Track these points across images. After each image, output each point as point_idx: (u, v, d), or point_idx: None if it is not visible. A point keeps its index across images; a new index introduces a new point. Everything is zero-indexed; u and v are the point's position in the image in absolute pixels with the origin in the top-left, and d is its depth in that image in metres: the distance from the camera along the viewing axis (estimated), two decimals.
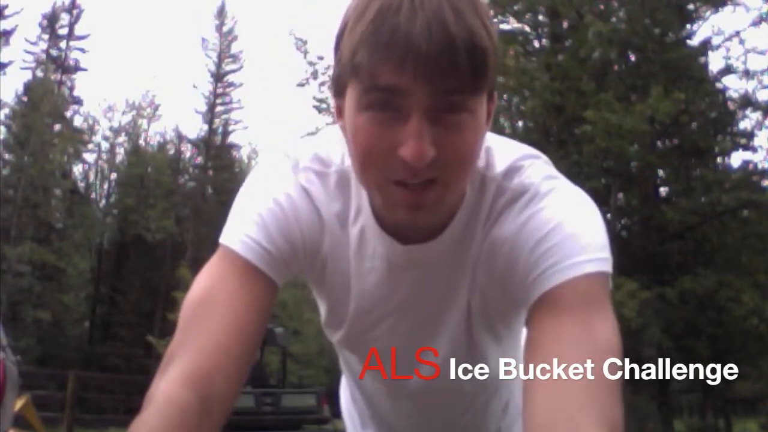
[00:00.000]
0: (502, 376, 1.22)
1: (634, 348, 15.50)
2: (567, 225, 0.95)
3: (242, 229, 1.03)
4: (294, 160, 1.10)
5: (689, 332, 14.66)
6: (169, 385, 0.89)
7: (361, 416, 1.39)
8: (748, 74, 14.40)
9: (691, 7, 15.03)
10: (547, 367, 0.86)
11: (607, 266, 0.95)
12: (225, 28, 39.72)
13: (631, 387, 15.92)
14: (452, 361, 1.14)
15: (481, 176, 1.04)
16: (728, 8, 14.57)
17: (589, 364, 0.85)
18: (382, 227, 1.05)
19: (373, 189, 0.95)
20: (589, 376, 0.85)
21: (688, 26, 15.32)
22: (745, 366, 14.99)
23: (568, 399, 0.83)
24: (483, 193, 1.03)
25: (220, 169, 39.77)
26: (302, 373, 25.54)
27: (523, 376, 0.90)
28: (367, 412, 1.36)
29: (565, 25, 15.94)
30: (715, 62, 15.08)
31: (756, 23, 14.33)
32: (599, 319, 0.90)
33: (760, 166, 14.48)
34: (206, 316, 0.96)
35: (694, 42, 15.32)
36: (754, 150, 14.74)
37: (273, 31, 73.41)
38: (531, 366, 0.88)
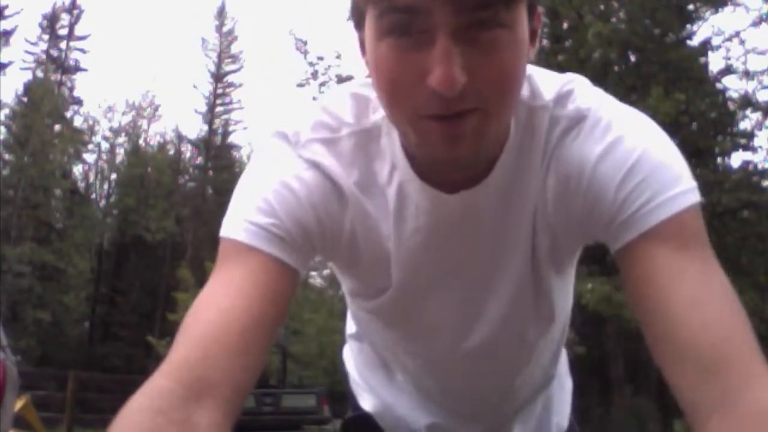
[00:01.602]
0: (564, 316, 1.16)
1: (636, 349, 15.52)
2: (653, 153, 0.87)
3: (242, 216, 0.92)
4: (293, 135, 0.98)
5: None
6: (149, 380, 0.81)
7: (383, 378, 1.29)
8: (748, 74, 14.39)
9: (691, 7, 15.03)
10: (688, 301, 0.79)
11: (698, 195, 0.87)
12: (225, 29, 39.88)
13: (632, 387, 15.97)
14: (517, 306, 1.04)
15: (527, 108, 0.93)
16: (728, 9, 14.57)
17: (723, 297, 0.80)
18: (422, 180, 0.94)
19: (405, 127, 0.84)
20: (732, 311, 0.79)
21: (688, 27, 15.31)
22: None
23: (723, 328, 0.77)
24: (534, 125, 0.93)
25: (220, 169, 39.79)
26: (302, 374, 25.48)
27: (638, 316, 0.84)
28: (399, 377, 1.26)
29: (565, 25, 15.95)
30: (715, 62, 15.07)
31: (756, 24, 14.32)
32: (710, 252, 0.85)
33: (759, 167, 14.49)
34: (199, 311, 0.87)
35: (694, 42, 15.32)
36: (754, 150, 14.74)
37: (273, 32, 73.47)
38: (656, 301, 0.81)
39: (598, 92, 0.94)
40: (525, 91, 0.92)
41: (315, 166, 0.95)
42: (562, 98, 0.93)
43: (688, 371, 0.77)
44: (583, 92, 0.93)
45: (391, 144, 0.96)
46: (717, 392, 0.74)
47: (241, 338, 0.83)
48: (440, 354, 1.12)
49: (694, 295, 0.79)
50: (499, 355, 1.12)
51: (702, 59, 15.08)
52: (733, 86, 15.38)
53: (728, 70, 14.94)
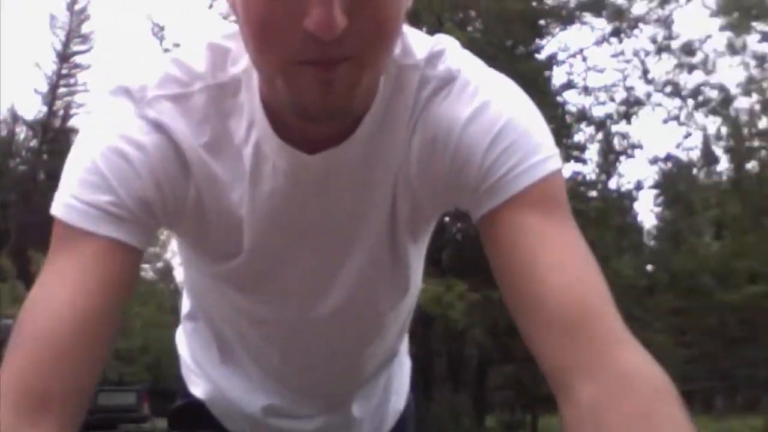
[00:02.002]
0: (415, 288, 1.11)
1: (458, 348, 15.89)
2: (520, 119, 0.86)
3: (71, 191, 0.82)
4: (138, 90, 0.87)
5: (510, 333, 15.17)
6: None
7: (218, 357, 1.19)
8: (586, 90, 15.26)
9: (542, 22, 15.77)
10: (554, 265, 0.79)
11: (561, 161, 0.88)
12: (77, 7, 37.94)
13: (451, 385, 16.29)
14: (373, 273, 0.99)
15: (397, 66, 0.88)
16: (575, 26, 15.39)
17: (587, 262, 0.80)
18: (282, 138, 0.87)
19: (275, 74, 0.77)
20: (595, 275, 0.79)
21: (538, 41, 16.04)
22: None
23: (589, 292, 0.77)
24: (403, 84, 0.89)
25: (56, 153, 37.60)
26: (124, 371, 24.40)
27: (502, 282, 0.82)
28: (237, 353, 1.17)
29: (424, 30, 16.33)
30: (558, 77, 15.91)
31: (599, 43, 15.25)
32: (572, 218, 0.84)
33: (588, 178, 15.33)
34: (29, 311, 0.78)
35: (542, 56, 16.06)
36: (584, 162, 15.61)
37: (130, 14, 70.92)
38: (522, 265, 0.80)
39: (468, 54, 0.92)
40: (396, 49, 0.87)
41: (158, 127, 0.86)
42: (433, 58, 0.89)
43: (554, 335, 0.76)
44: (453, 53, 0.90)
45: (250, 100, 0.89)
46: (583, 355, 0.74)
47: (78, 338, 0.76)
48: (289, 321, 1.06)
49: (560, 259, 0.79)
50: (350, 324, 1.07)
51: (547, 73, 15.82)
52: (572, 100, 16.20)
53: (569, 85, 15.76)
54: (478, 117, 0.85)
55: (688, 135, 16.95)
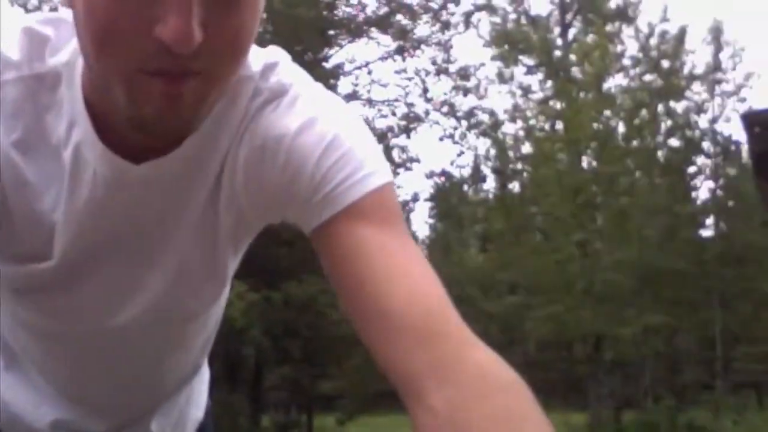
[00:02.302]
0: (224, 299, 1.08)
1: (236, 348, 15.80)
2: (350, 132, 0.85)
3: None
4: None
5: (288, 334, 15.39)
6: None
7: (2, 363, 1.10)
8: (370, 102, 15.89)
9: (332, 33, 16.21)
10: (395, 273, 0.79)
11: (392, 175, 0.88)
12: None
13: (229, 385, 16.16)
14: (184, 285, 0.95)
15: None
16: (363, 40, 15.99)
17: (426, 270, 0.81)
18: (105, 143, 0.81)
19: (114, 80, 0.71)
20: (435, 282, 0.80)
21: (327, 49, 16.47)
22: (332, 366, 16.12)
23: (432, 298, 0.78)
24: (236, 94, 0.85)
25: None
26: None
27: (343, 294, 0.82)
28: (22, 362, 1.08)
29: None
30: (343, 87, 16.37)
31: (384, 58, 15.93)
32: (407, 228, 0.85)
33: None
34: None
35: (330, 65, 16.48)
36: None
37: None
38: (363, 276, 0.79)
39: (300, 70, 0.92)
40: None
41: None
42: (267, 70, 0.87)
43: (402, 342, 0.75)
44: (286, 67, 0.90)
45: (72, 97, 0.82)
46: (434, 360, 0.74)
47: None
48: (82, 333, 1.00)
49: (400, 268, 0.79)
50: (150, 336, 1.02)
51: (333, 81, 16.26)
52: (356, 111, 16.67)
53: (354, 96, 16.29)
54: (308, 129, 0.84)
55: (461, 153, 18.14)
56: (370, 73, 16.09)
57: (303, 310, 15.18)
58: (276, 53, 0.90)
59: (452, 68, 16.86)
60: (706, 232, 23.58)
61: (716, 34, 23.03)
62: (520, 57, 20.68)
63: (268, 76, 0.87)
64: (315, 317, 15.38)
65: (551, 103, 19.91)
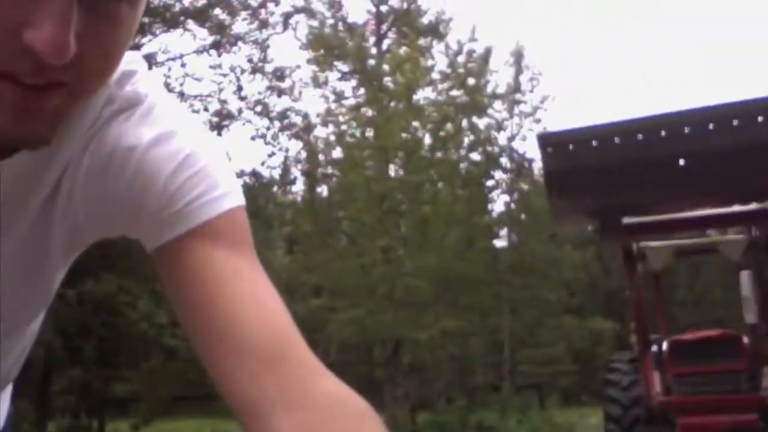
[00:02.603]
0: (45, 310, 1.01)
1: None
2: (206, 151, 0.83)
3: None
4: None
5: (81, 334, 14.64)
6: None
7: None
8: (182, 96, 15.44)
9: (146, 20, 15.61)
10: (245, 298, 0.77)
11: (243, 198, 0.86)
12: None
13: (13, 390, 15.07)
14: (6, 295, 0.88)
15: None
16: (179, 31, 15.52)
17: (274, 296, 0.80)
18: None
19: None
20: (283, 309, 0.79)
21: (140, 37, 15.84)
22: (126, 368, 15.53)
23: (280, 325, 0.77)
24: (90, 102, 0.80)
25: None
26: None
27: (187, 315, 0.79)
28: None
29: None
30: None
31: (199, 52, 15.56)
32: (255, 253, 0.84)
33: None
34: None
35: (141, 54, 15.86)
36: None
37: None
38: (211, 298, 0.77)
39: (159, 81, 0.89)
40: None
41: None
42: (124, 78, 0.83)
43: (251, 367, 0.74)
44: (144, 77, 0.86)
45: None
46: (281, 386, 0.73)
47: None
48: None
49: (250, 293, 0.78)
50: None
51: None
52: None
53: (165, 88, 15.75)
54: (163, 143, 0.81)
55: (272, 154, 18.03)
56: (183, 65, 15.63)
57: (99, 308, 14.49)
58: (135, 61, 0.86)
59: (268, 68, 16.76)
60: (500, 243, 25.09)
61: (518, 57, 24.67)
62: (335, 62, 21.01)
63: (123, 84, 0.83)
64: (112, 316, 14.72)
65: (363, 110, 20.37)
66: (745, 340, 8.24)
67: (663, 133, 6.63)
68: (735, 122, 6.43)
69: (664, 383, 8.14)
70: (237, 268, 0.79)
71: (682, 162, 6.61)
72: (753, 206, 7.39)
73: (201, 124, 0.89)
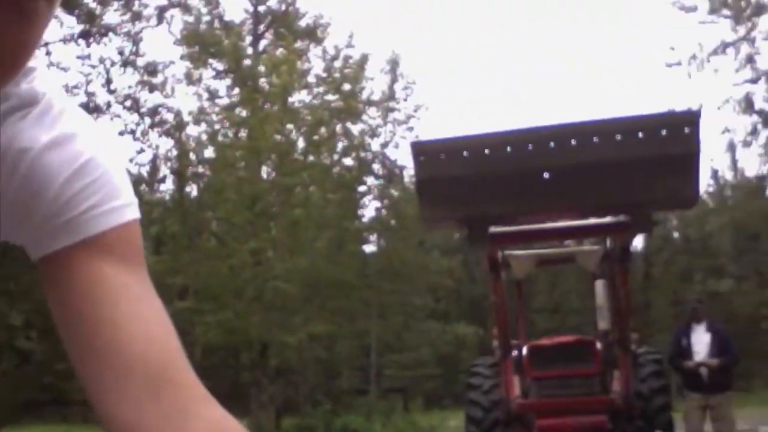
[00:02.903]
0: None
1: None
2: (105, 159, 0.79)
3: None
4: None
5: None
6: None
7: None
8: None
9: None
10: (134, 316, 0.75)
11: (138, 211, 0.84)
12: None
13: None
14: None
15: None
16: None
17: (164, 317, 0.77)
18: None
19: None
20: (172, 331, 0.77)
21: None
22: None
23: (168, 348, 0.75)
24: None
25: None
26: None
27: (70, 328, 0.76)
28: None
29: None
30: None
31: (66, 40, 14.91)
32: (146, 268, 0.81)
33: None
34: None
35: None
36: None
37: None
38: (99, 314, 0.74)
39: (57, 81, 0.88)
40: None
41: None
42: (20, 75, 0.78)
43: (130, 391, 0.72)
44: (43, 75, 0.82)
45: None
46: (162, 412, 0.71)
47: None
48: None
49: (140, 311, 0.76)
50: None
51: None
52: None
53: None
54: (61, 146, 0.78)
55: (141, 151, 17.50)
56: (48, 54, 14.90)
57: None
58: (33, 57, 0.84)
59: (140, 62, 16.29)
60: (370, 248, 25.36)
61: (393, 65, 25.03)
62: (210, 60, 20.64)
63: (19, 81, 0.78)
64: None
65: (237, 110, 20.11)
66: (598, 345, 8.70)
67: (530, 146, 6.92)
68: (595, 139, 6.80)
69: (523, 386, 8.47)
70: (127, 285, 0.77)
71: (546, 175, 6.91)
72: (608, 219, 7.81)
73: (102, 128, 0.87)
